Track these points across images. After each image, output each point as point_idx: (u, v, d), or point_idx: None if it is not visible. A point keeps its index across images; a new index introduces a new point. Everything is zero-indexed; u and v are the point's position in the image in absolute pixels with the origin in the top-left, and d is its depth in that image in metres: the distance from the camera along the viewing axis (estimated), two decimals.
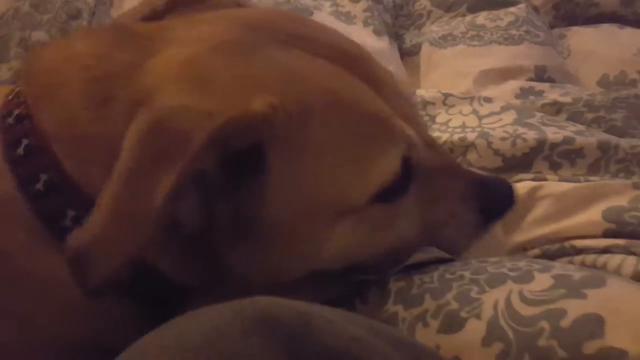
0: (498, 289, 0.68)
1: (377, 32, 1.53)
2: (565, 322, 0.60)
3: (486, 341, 0.63)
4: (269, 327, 0.46)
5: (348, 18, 1.53)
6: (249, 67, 0.66)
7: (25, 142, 0.65)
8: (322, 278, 0.75)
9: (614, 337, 0.57)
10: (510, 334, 0.62)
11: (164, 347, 0.46)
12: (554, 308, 0.62)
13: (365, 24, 1.54)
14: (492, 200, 0.81)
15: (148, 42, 0.69)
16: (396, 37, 1.64)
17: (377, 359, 0.46)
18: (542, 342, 0.60)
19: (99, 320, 0.65)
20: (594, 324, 0.59)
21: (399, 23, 1.67)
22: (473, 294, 0.69)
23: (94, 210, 0.56)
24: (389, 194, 0.71)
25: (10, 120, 0.68)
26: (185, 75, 0.64)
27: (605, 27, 1.74)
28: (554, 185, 0.99)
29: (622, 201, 0.92)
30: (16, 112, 0.68)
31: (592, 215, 0.92)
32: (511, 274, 0.70)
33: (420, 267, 0.77)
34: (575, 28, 1.75)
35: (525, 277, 0.69)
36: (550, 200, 0.98)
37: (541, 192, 0.99)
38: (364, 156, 0.69)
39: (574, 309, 0.61)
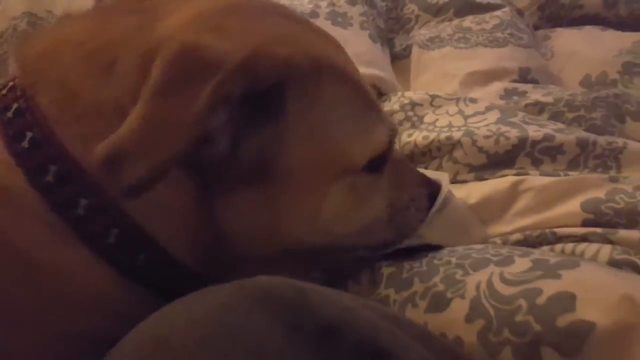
0: (481, 272, 0.75)
1: (372, 38, 1.57)
2: (540, 300, 0.67)
3: (469, 318, 0.70)
4: (270, 302, 0.50)
5: (345, 19, 1.56)
6: (257, 24, 0.70)
7: (29, 135, 0.64)
8: (301, 260, 0.82)
9: (584, 311, 0.63)
10: (491, 312, 0.69)
11: (173, 322, 0.51)
12: (531, 287, 0.69)
13: (362, 27, 1.57)
14: (433, 189, 0.93)
15: (152, 10, 0.70)
16: (387, 41, 1.68)
17: (366, 325, 0.51)
18: (519, 317, 0.66)
19: (112, 312, 0.66)
20: (567, 301, 0.65)
21: (388, 27, 1.72)
22: (458, 277, 0.76)
23: (127, 120, 0.57)
24: (375, 164, 0.78)
25: (10, 114, 0.66)
26: (200, 25, 0.66)
27: (588, 29, 1.79)
28: (535, 179, 1.04)
29: (599, 193, 0.97)
30: (14, 105, 0.66)
31: (572, 206, 0.97)
32: (494, 258, 0.78)
33: (411, 253, 0.84)
34: (559, 30, 1.81)
35: (506, 261, 0.76)
36: (531, 194, 1.02)
37: (523, 185, 1.04)
38: (366, 119, 0.76)
39: (549, 288, 0.68)
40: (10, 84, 0.69)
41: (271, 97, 0.65)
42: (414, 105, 1.29)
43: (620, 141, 1.10)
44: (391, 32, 1.72)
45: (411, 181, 0.91)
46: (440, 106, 1.27)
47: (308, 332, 0.50)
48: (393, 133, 0.81)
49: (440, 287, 0.76)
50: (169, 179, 0.59)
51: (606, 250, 0.88)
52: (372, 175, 0.79)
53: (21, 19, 1.53)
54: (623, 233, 0.88)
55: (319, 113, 0.71)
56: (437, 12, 1.70)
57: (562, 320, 0.63)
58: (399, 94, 1.36)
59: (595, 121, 1.23)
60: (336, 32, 1.39)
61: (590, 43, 1.68)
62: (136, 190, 0.57)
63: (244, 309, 0.50)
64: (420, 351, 0.52)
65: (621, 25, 1.86)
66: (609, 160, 1.07)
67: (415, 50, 1.59)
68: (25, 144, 0.64)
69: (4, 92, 0.69)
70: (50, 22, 1.49)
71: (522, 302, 0.67)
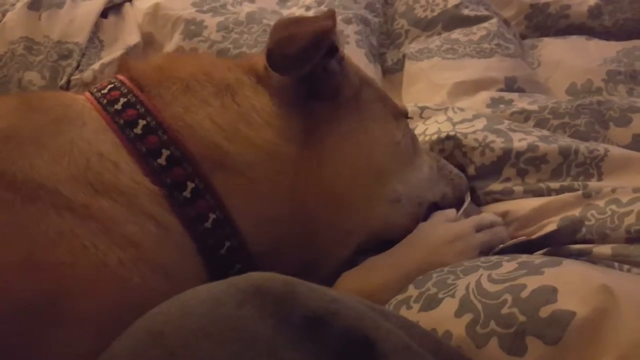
0: (471, 275, 0.79)
1: (367, 57, 1.61)
2: (524, 294, 0.70)
3: (458, 313, 0.74)
4: (260, 296, 0.54)
5: (341, 38, 1.58)
6: None
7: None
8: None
9: (565, 302, 0.66)
10: (479, 306, 0.72)
11: (168, 314, 0.53)
12: (516, 284, 0.73)
13: (358, 45, 1.62)
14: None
15: None
16: (378, 57, 1.72)
17: (351, 314, 0.54)
18: (505, 310, 0.70)
19: None
20: (549, 293, 0.68)
21: (379, 42, 1.75)
22: (449, 281, 0.80)
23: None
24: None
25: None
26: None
27: (574, 38, 1.84)
28: (517, 208, 1.08)
29: (574, 212, 1.02)
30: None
31: (549, 227, 1.01)
32: (483, 264, 0.82)
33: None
34: (546, 39, 1.85)
35: (495, 266, 0.80)
36: (515, 225, 1.07)
37: (508, 218, 1.08)
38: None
39: (532, 283, 0.71)
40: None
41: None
42: None
43: (601, 148, 1.13)
44: (382, 47, 1.76)
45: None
46: (429, 117, 1.31)
47: (296, 323, 0.53)
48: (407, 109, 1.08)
49: (433, 290, 0.80)
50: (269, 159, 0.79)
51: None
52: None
53: (18, 43, 1.56)
54: (596, 249, 0.93)
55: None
56: (426, 26, 1.74)
57: (545, 311, 0.66)
58: None
59: (580, 127, 1.26)
60: None
61: (575, 52, 1.72)
62: (296, 62, 0.79)
63: (235, 302, 0.53)
64: (402, 338, 0.54)
65: (606, 34, 1.91)
66: (591, 168, 1.11)
67: (406, 62, 1.63)
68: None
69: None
70: (46, 46, 1.53)
71: (508, 297, 0.71)
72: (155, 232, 0.70)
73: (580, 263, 0.83)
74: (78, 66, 1.48)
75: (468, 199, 1.06)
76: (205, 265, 0.76)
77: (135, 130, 0.75)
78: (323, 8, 1.68)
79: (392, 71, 1.69)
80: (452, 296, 0.76)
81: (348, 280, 0.88)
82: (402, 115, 1.01)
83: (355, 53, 1.58)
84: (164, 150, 0.74)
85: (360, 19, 1.69)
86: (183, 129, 0.77)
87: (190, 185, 0.74)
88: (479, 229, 0.97)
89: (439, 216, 0.99)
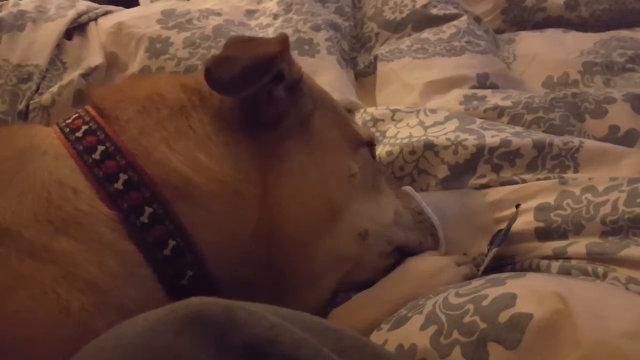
0: (440, 295, 0.79)
1: (339, 63, 1.58)
2: (485, 302, 0.70)
3: (423, 326, 0.74)
4: (198, 323, 0.51)
5: (311, 47, 1.59)
6: None
7: (101, 148, 0.75)
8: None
9: (523, 305, 0.66)
10: (443, 318, 0.73)
11: (102, 349, 0.51)
12: (479, 294, 0.73)
13: (329, 52, 1.59)
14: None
15: None
16: (350, 61, 1.70)
17: (290, 342, 0.51)
18: (467, 319, 0.70)
19: None
20: (508, 299, 0.69)
21: (350, 46, 1.74)
22: (421, 302, 0.81)
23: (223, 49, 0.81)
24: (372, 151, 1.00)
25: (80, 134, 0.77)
26: None
27: (551, 31, 1.83)
28: (493, 192, 1.08)
29: (549, 199, 1.00)
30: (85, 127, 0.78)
31: (526, 216, 1.00)
32: (453, 287, 0.81)
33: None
34: (523, 33, 1.84)
35: (463, 284, 0.81)
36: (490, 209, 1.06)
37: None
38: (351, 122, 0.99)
39: (494, 292, 0.72)
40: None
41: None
42: (375, 121, 1.31)
43: (576, 141, 1.11)
44: (353, 51, 1.74)
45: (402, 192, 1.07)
46: (401, 120, 1.29)
47: (235, 352, 0.50)
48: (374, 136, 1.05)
49: (404, 312, 0.80)
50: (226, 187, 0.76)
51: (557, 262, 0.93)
52: (375, 160, 1.00)
53: None
54: (570, 249, 0.92)
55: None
56: (395, 28, 1.72)
57: (504, 316, 0.66)
58: (361, 110, 1.38)
59: (554, 121, 1.25)
60: (304, 62, 1.43)
61: (552, 45, 1.71)
62: (233, 85, 0.76)
63: (173, 331, 0.51)
64: None
65: (584, 26, 1.90)
66: (567, 160, 1.09)
67: (377, 64, 1.62)
68: (96, 155, 0.74)
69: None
70: (6, 69, 1.49)
71: (470, 306, 0.71)
72: (115, 269, 0.68)
73: (541, 275, 0.85)
74: (38, 89, 1.44)
75: (443, 243, 1.01)
76: (169, 297, 0.73)
77: (93, 156, 0.74)
78: (291, 15, 1.66)
79: (365, 74, 1.66)
80: (420, 313, 0.77)
81: (337, 319, 0.87)
82: (363, 143, 0.96)
83: (326, 60, 1.56)
84: (121, 175, 0.73)
85: (330, 25, 1.67)
86: (141, 152, 0.75)
87: (148, 210, 0.72)
88: (459, 264, 0.96)
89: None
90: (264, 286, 0.80)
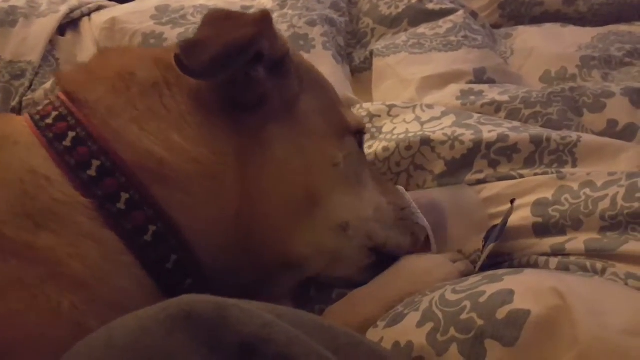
0: (437, 292, 0.77)
1: (335, 58, 1.57)
2: (483, 299, 0.69)
3: (420, 323, 0.72)
4: (191, 322, 0.50)
5: (306, 42, 1.58)
6: None
7: (72, 134, 0.72)
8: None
9: (521, 302, 0.65)
10: (440, 315, 0.71)
11: (92, 348, 0.50)
12: (476, 291, 0.72)
13: (325, 48, 1.58)
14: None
15: None
16: (346, 57, 1.69)
17: (283, 340, 0.50)
18: (464, 316, 0.69)
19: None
20: (506, 295, 0.67)
21: (345, 42, 1.73)
22: (417, 299, 0.79)
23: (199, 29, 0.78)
24: (359, 140, 0.94)
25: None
26: None
27: (549, 26, 1.82)
28: (489, 187, 1.06)
29: (547, 194, 0.99)
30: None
31: (523, 211, 0.99)
32: (450, 283, 0.80)
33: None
34: (521, 28, 1.83)
35: (460, 281, 0.80)
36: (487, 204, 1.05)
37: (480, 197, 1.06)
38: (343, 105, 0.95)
39: (491, 289, 0.70)
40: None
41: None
42: (372, 117, 1.30)
43: (574, 135, 1.10)
44: (349, 46, 1.73)
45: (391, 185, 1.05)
46: (397, 115, 1.27)
47: (228, 351, 0.49)
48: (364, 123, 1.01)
49: (400, 309, 0.79)
50: (206, 167, 0.73)
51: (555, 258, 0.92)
52: (361, 150, 0.95)
53: None
54: (569, 245, 0.91)
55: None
56: (391, 23, 1.71)
57: (502, 312, 0.65)
58: (357, 106, 1.36)
59: (552, 116, 1.24)
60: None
61: (550, 39, 1.70)
62: (204, 72, 0.72)
63: (164, 330, 0.50)
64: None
65: (582, 20, 1.90)
66: (565, 155, 1.08)
67: (373, 59, 1.60)
68: (67, 142, 0.71)
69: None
70: None
71: (467, 303, 0.70)
72: (99, 262, 0.67)
73: (538, 271, 0.84)
74: (31, 86, 1.43)
75: (434, 245, 1.00)
76: (157, 284, 0.71)
77: (64, 143, 0.71)
78: (286, 11, 1.64)
79: (361, 70, 1.65)
80: (417, 310, 0.75)
81: (333, 316, 0.85)
82: (351, 131, 0.92)
83: (322, 56, 1.55)
84: (94, 161, 0.70)
85: (326, 20, 1.65)
86: (112, 135, 0.72)
87: (125, 196, 0.70)
88: (454, 261, 0.94)
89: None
90: (248, 274, 0.78)
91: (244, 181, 0.76)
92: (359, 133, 0.95)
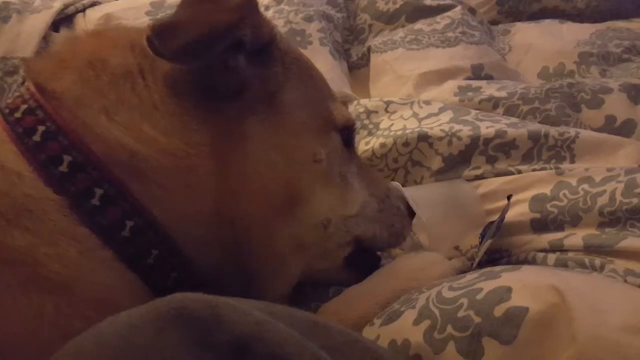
0: (433, 289, 0.76)
1: (332, 54, 1.56)
2: (480, 296, 0.68)
3: (416, 321, 0.71)
4: (181, 320, 0.49)
5: (303, 37, 1.57)
6: None
7: (41, 128, 0.69)
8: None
9: (519, 299, 0.64)
10: (437, 313, 0.70)
11: (81, 347, 0.49)
12: (473, 288, 0.71)
13: (322, 44, 1.57)
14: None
15: None
16: (343, 53, 1.68)
17: (276, 339, 0.49)
18: (461, 313, 0.68)
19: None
20: (504, 292, 0.66)
21: (343, 38, 1.72)
22: (413, 296, 0.78)
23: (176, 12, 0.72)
24: (347, 137, 0.89)
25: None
26: None
27: (547, 22, 1.81)
28: (487, 183, 1.06)
29: (545, 189, 0.98)
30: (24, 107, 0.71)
31: (521, 207, 0.98)
32: (447, 280, 0.79)
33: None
34: (519, 24, 1.83)
35: (457, 278, 0.79)
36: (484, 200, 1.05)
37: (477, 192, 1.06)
38: (333, 96, 0.91)
39: (489, 286, 0.69)
40: None
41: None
42: (369, 113, 1.29)
43: (572, 131, 1.10)
44: (346, 42, 1.72)
45: (381, 180, 1.02)
46: (395, 111, 1.27)
47: (220, 349, 0.49)
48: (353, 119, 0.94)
49: (397, 307, 0.78)
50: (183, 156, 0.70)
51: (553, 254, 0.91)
52: (348, 148, 0.90)
53: None
54: (567, 241, 0.91)
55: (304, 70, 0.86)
56: (389, 19, 1.70)
57: (499, 310, 0.64)
58: (354, 102, 1.35)
59: (550, 112, 1.23)
60: None
61: (547, 36, 1.70)
62: (177, 56, 0.68)
63: (154, 329, 0.49)
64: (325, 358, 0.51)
65: (580, 17, 1.89)
66: (563, 151, 1.07)
67: (371, 55, 1.60)
68: (37, 137, 0.68)
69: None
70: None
71: (464, 300, 0.69)
72: (77, 260, 0.65)
73: (536, 267, 0.84)
74: (24, 82, 1.41)
75: (426, 241, 1.00)
76: (141, 279, 0.69)
77: (34, 138, 0.68)
78: (283, 6, 1.63)
79: (358, 66, 1.65)
80: (413, 308, 0.75)
81: (328, 313, 0.84)
82: (336, 127, 0.87)
83: (319, 52, 1.53)
84: (65, 157, 0.67)
85: (323, 16, 1.64)
86: (83, 129, 0.69)
87: (99, 191, 0.67)
88: (450, 258, 0.94)
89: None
90: (233, 271, 0.76)
91: (223, 175, 0.73)
92: (346, 129, 0.90)
